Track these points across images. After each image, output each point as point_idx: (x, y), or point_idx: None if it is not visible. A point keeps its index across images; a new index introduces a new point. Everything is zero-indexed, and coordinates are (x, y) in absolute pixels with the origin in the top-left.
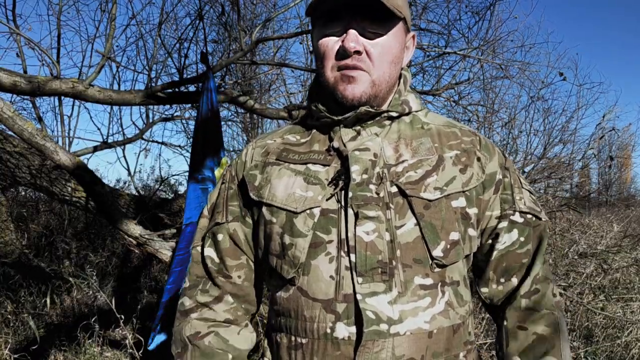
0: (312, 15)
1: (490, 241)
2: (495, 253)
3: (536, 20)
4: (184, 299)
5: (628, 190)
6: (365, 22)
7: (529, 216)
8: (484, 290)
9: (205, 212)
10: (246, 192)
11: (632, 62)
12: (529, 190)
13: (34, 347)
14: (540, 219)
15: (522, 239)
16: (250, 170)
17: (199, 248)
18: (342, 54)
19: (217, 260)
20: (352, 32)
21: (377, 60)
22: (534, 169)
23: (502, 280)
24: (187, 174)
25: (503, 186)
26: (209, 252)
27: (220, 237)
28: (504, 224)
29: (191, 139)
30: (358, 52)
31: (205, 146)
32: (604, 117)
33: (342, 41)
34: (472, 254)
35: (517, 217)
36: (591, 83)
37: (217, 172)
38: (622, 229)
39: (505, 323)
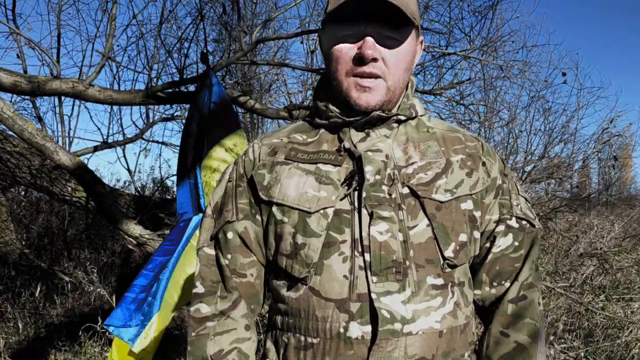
0: (327, 19)
1: (487, 244)
2: (490, 256)
3: (538, 20)
4: (200, 305)
5: (628, 190)
6: (382, 28)
7: (524, 222)
8: (477, 292)
9: (209, 211)
10: (255, 192)
11: (632, 61)
12: (524, 197)
13: (30, 345)
14: (533, 225)
15: (516, 243)
16: (258, 169)
17: (207, 250)
18: (359, 60)
19: (229, 259)
20: (370, 40)
21: (393, 67)
22: (534, 168)
23: (495, 284)
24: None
25: (502, 191)
26: (223, 253)
27: (230, 235)
28: (500, 227)
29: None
30: (375, 59)
31: (210, 139)
32: (611, 121)
33: (359, 48)
34: (473, 256)
35: (513, 222)
36: (591, 87)
37: (230, 141)
38: (623, 229)
39: (490, 326)
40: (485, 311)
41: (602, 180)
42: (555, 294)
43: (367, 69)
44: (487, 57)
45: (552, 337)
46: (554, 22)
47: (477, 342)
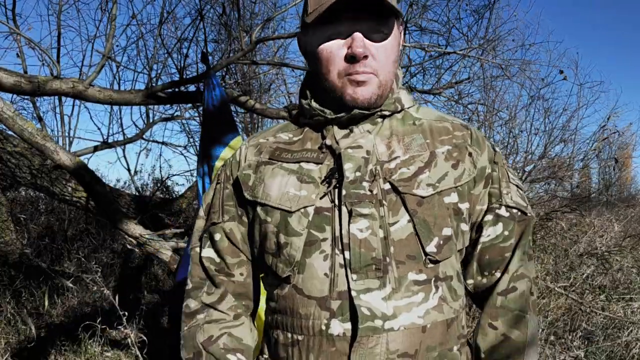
0: (310, 20)
1: (476, 234)
2: (479, 246)
3: (536, 19)
4: (188, 300)
5: (628, 190)
6: (368, 22)
7: (514, 210)
8: (469, 282)
9: (201, 213)
10: (241, 192)
11: (633, 61)
12: (516, 185)
13: (30, 345)
14: (525, 214)
15: (506, 232)
16: (244, 170)
17: (197, 249)
18: (350, 59)
19: (217, 260)
20: (359, 36)
21: (383, 61)
22: (534, 168)
23: (486, 273)
24: (187, 173)
25: (492, 180)
26: (208, 252)
27: (217, 236)
28: (489, 217)
29: (192, 139)
30: (365, 57)
31: (213, 137)
32: (608, 118)
33: (349, 46)
34: (464, 248)
35: (502, 211)
36: (592, 82)
37: (226, 152)
38: (623, 229)
39: (480, 318)
40: (479, 299)
41: (602, 180)
42: (555, 294)
43: (359, 67)
44: (486, 56)
45: (552, 337)
46: (554, 22)
47: (471, 335)
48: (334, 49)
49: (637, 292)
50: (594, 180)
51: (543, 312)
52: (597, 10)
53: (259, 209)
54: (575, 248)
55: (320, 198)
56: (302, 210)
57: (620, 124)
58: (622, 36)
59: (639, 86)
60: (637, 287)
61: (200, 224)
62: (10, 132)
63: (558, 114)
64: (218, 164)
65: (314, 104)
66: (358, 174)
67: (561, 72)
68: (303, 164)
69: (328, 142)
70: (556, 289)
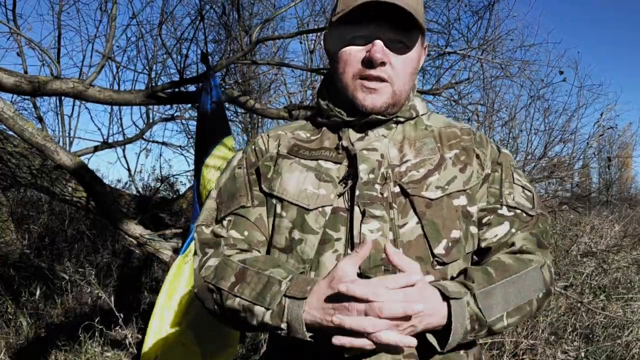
0: (336, 20)
1: (479, 232)
2: (485, 244)
3: (535, 19)
4: (195, 258)
5: (628, 190)
6: (391, 32)
7: (518, 211)
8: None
9: (214, 194)
10: (259, 182)
11: (633, 60)
12: (522, 186)
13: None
14: (530, 215)
15: (513, 230)
16: (265, 160)
17: (206, 229)
18: (368, 63)
19: (240, 237)
20: (379, 43)
21: (401, 72)
22: (534, 168)
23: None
24: (188, 173)
25: (493, 180)
26: (232, 233)
27: (252, 217)
28: (490, 217)
29: (192, 139)
30: (383, 63)
31: (211, 140)
32: (602, 115)
33: (369, 51)
34: (473, 252)
35: (504, 211)
36: (591, 85)
37: (230, 142)
38: (623, 229)
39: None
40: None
41: (602, 180)
42: (555, 294)
43: (374, 72)
44: (485, 56)
45: (552, 337)
46: (553, 22)
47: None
48: (353, 52)
49: (637, 292)
50: (594, 180)
51: (543, 312)
52: (596, 9)
53: (274, 202)
54: (575, 248)
55: (337, 197)
56: (320, 209)
57: (621, 123)
58: (622, 35)
59: (639, 85)
60: (637, 287)
61: (211, 204)
62: (10, 132)
63: (558, 114)
64: (205, 170)
65: (332, 105)
66: (371, 176)
67: (561, 72)
68: (322, 162)
69: (344, 143)
70: (556, 288)
